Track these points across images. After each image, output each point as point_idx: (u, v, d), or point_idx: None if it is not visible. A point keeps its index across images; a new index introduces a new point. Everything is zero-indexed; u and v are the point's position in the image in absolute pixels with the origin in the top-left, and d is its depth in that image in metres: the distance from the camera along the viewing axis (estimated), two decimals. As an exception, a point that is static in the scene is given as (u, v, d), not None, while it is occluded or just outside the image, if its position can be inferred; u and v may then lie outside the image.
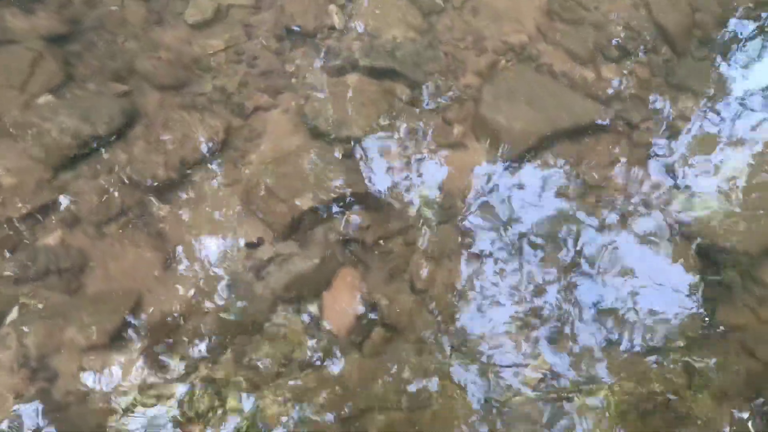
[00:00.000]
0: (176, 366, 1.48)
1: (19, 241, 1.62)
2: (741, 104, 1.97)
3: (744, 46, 2.09)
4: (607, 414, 1.48)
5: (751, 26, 2.11)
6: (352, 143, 1.86)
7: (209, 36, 2.03)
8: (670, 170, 1.90)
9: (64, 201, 1.69)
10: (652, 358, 1.56)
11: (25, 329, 1.50)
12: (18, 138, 1.75)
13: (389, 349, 1.53)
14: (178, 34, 2.02)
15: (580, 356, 1.57)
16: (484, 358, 1.54)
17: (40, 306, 1.51)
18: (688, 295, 1.65)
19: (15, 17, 1.90)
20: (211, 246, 1.65)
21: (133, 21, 2.00)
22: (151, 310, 1.55)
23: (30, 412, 1.45)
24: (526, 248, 1.72)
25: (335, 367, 1.49)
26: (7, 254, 1.59)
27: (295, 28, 2.03)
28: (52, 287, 1.54)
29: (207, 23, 2.04)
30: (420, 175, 1.81)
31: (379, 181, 1.78)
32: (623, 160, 1.89)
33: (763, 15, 2.13)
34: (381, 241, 1.67)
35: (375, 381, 1.49)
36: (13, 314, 1.51)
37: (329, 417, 1.42)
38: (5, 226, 1.62)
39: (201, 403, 1.43)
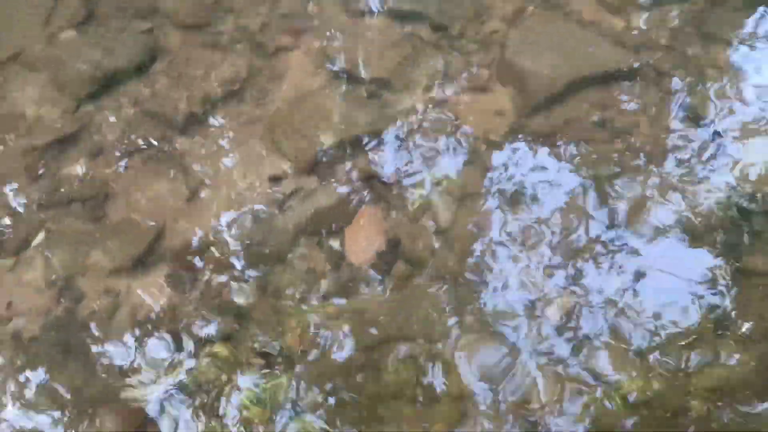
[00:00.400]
0: (198, 291, 1.51)
1: (43, 169, 1.64)
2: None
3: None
4: (630, 351, 1.49)
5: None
6: (375, 84, 1.85)
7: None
8: (699, 118, 1.88)
9: (87, 132, 1.71)
10: (677, 298, 1.56)
11: (51, 253, 1.53)
12: (42, 70, 1.76)
13: (410, 284, 1.55)
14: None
15: (604, 290, 1.57)
16: (504, 297, 1.55)
17: (65, 231, 1.53)
18: (714, 241, 1.64)
19: None
20: (233, 179, 1.66)
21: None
22: (174, 239, 1.57)
23: (58, 330, 1.49)
24: (551, 191, 1.71)
25: (356, 299, 1.51)
26: (32, 182, 1.61)
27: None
28: (77, 214, 1.56)
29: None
30: (443, 118, 1.80)
31: (402, 122, 1.77)
32: (652, 107, 1.87)
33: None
34: (403, 180, 1.67)
35: (395, 314, 1.50)
36: (39, 238, 1.53)
37: (350, 346, 1.44)
38: (30, 154, 1.64)
39: (223, 325, 1.46)
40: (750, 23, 2.09)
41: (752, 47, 2.06)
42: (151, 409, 1.39)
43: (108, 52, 1.77)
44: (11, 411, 1.40)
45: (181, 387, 1.41)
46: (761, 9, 2.13)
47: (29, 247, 1.51)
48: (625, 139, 1.84)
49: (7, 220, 1.56)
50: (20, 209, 1.58)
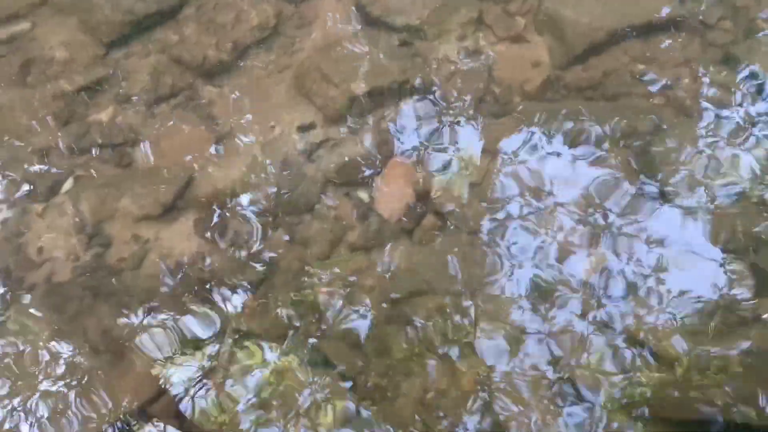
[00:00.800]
0: (227, 240, 1.51)
1: (72, 114, 1.64)
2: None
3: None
4: (669, 315, 1.46)
5: None
6: (407, 32, 1.80)
7: None
8: (747, 72, 1.79)
9: (116, 78, 1.70)
10: (720, 257, 1.52)
11: (80, 198, 1.55)
12: (72, 14, 1.74)
13: (439, 236, 1.53)
14: None
15: (636, 254, 1.53)
16: (532, 252, 1.53)
17: (94, 177, 1.54)
18: (758, 196, 1.58)
19: None
20: (261, 128, 1.64)
21: None
22: (202, 186, 1.57)
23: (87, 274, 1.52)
24: (587, 144, 1.66)
25: (385, 250, 1.50)
26: (61, 127, 1.62)
27: None
28: (105, 160, 1.57)
29: None
30: (477, 67, 1.75)
31: (435, 71, 1.73)
32: (696, 59, 1.78)
33: None
34: (435, 131, 1.64)
35: (424, 267, 1.50)
36: (69, 184, 1.55)
37: (378, 297, 1.44)
38: (59, 98, 1.64)
39: (250, 274, 1.47)
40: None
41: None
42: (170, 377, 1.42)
43: (135, -6, 1.75)
44: (42, 344, 1.44)
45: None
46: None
47: (59, 193, 1.52)
48: (665, 93, 1.77)
49: (36, 166, 1.58)
50: (49, 155, 1.59)
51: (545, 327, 1.42)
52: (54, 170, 1.58)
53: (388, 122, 1.63)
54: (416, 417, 1.33)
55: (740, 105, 1.74)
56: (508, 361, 1.40)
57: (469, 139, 1.64)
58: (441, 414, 1.33)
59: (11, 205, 1.51)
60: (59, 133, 1.61)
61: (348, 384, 1.37)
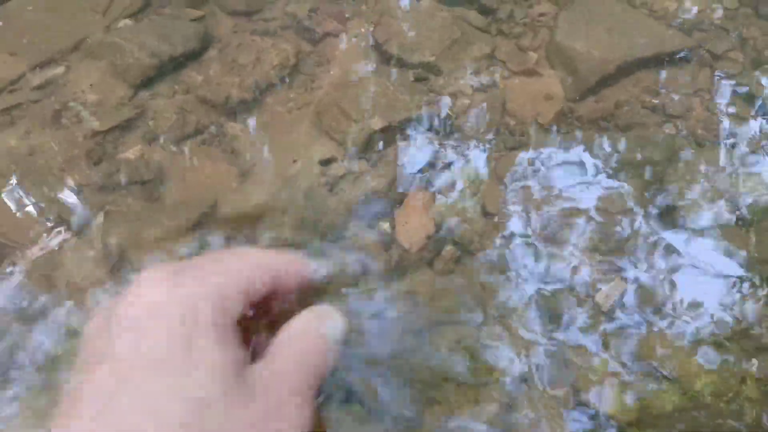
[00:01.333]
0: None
1: (103, 153, 1.72)
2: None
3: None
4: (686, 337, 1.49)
5: None
6: (422, 68, 1.88)
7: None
8: (754, 101, 1.84)
9: (143, 118, 1.79)
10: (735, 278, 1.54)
11: (110, 231, 1.61)
12: (101, 58, 1.84)
13: (459, 266, 1.57)
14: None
15: (654, 277, 1.56)
16: (555, 280, 1.56)
17: (124, 212, 1.61)
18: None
19: None
20: (283, 163, 1.71)
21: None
22: (226, 217, 1.63)
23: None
24: (601, 176, 1.71)
25: (407, 280, 1.54)
26: (93, 166, 1.70)
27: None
28: (135, 196, 1.64)
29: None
30: (492, 101, 1.81)
31: (450, 106, 1.80)
32: (706, 90, 1.84)
33: None
34: (451, 163, 1.70)
35: (445, 296, 1.54)
36: (100, 219, 1.62)
37: (401, 328, 1.48)
38: (91, 139, 1.72)
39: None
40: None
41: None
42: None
43: (163, 39, 1.84)
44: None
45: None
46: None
47: (91, 228, 1.59)
48: (677, 123, 1.82)
49: (70, 202, 1.65)
50: (82, 192, 1.66)
51: (565, 351, 1.45)
52: (86, 206, 1.66)
53: (406, 156, 1.69)
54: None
55: (750, 135, 1.79)
56: (530, 393, 1.42)
57: (484, 170, 1.70)
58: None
59: (45, 242, 1.58)
60: (91, 172, 1.69)
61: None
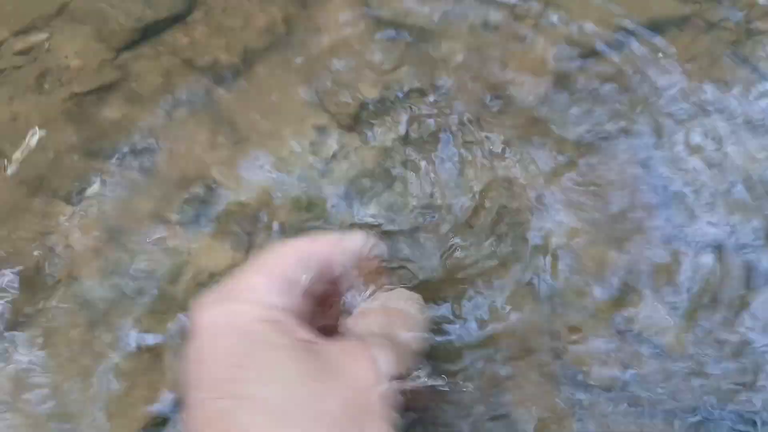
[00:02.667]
0: (243, 243, 1.61)
1: (85, 115, 1.73)
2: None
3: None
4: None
5: None
6: (417, 33, 1.88)
7: None
8: (751, 66, 1.89)
9: (126, 81, 1.78)
10: None
11: (104, 200, 1.64)
12: (86, 23, 1.82)
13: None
14: None
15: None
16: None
17: (117, 181, 1.64)
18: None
19: None
20: (276, 133, 1.73)
21: None
22: (219, 191, 1.67)
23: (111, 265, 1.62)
24: (597, 141, 1.77)
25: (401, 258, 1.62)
26: (77, 129, 1.71)
27: None
28: (126, 165, 1.67)
29: None
30: (482, 67, 1.84)
31: (445, 73, 1.82)
32: (702, 56, 1.89)
33: None
34: (446, 132, 1.74)
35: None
36: (95, 187, 1.65)
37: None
38: (71, 100, 1.72)
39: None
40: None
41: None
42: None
43: (148, 3, 1.82)
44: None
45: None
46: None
47: (85, 196, 1.63)
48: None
49: (59, 170, 1.67)
50: (66, 159, 1.68)
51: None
52: (77, 173, 1.68)
53: (399, 126, 1.73)
54: None
55: (742, 97, 1.84)
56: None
57: (479, 137, 1.75)
58: None
59: (42, 209, 1.61)
60: (75, 137, 1.70)
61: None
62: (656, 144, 1.62)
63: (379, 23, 1.83)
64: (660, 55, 1.74)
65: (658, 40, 1.75)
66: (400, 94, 1.76)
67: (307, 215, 1.64)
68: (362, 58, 1.77)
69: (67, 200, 1.64)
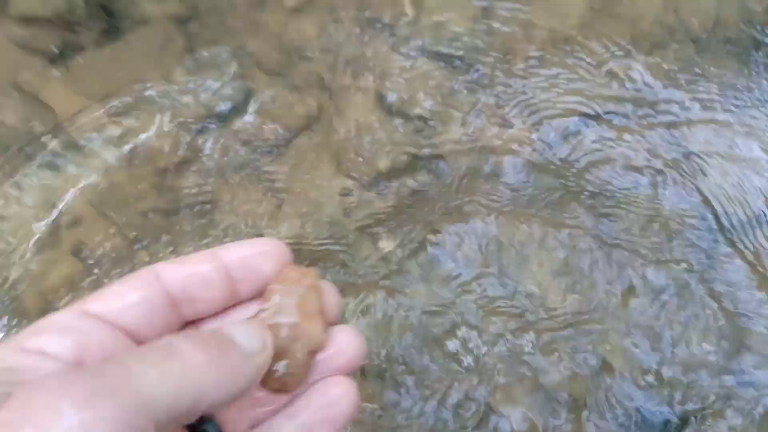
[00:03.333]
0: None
1: (163, 185, 2.26)
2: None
3: None
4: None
5: None
6: (420, 118, 2.40)
7: (303, 22, 2.60)
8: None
9: (197, 157, 2.32)
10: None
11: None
12: (160, 107, 2.38)
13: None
14: (277, 18, 2.60)
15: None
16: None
17: (187, 229, 2.15)
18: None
19: (150, 3, 2.53)
20: (309, 194, 2.25)
21: (239, 5, 2.59)
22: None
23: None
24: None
25: (405, 285, 2.08)
26: (159, 195, 2.23)
27: (374, 17, 2.57)
28: (191, 219, 2.18)
29: (300, 9, 2.61)
30: (478, 146, 2.34)
31: (445, 144, 2.32)
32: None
33: None
34: (442, 190, 2.24)
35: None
36: (166, 238, 2.15)
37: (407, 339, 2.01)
38: (155, 175, 2.26)
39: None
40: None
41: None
42: None
43: (213, 94, 2.38)
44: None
45: None
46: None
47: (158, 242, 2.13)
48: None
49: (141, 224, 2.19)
50: (149, 216, 2.20)
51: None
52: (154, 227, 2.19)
53: (406, 188, 2.23)
54: None
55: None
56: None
57: (478, 199, 2.23)
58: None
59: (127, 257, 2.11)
60: (159, 201, 2.22)
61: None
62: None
63: (392, 110, 2.37)
64: None
65: None
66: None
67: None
68: (379, 136, 2.29)
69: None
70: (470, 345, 1.87)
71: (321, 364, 0.57)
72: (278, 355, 0.53)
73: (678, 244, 2.02)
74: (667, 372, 1.75)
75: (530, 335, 1.86)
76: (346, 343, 0.58)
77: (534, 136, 2.32)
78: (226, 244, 0.60)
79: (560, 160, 2.26)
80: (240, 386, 0.46)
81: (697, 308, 1.87)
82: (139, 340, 0.52)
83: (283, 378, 0.54)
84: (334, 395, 0.55)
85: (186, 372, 0.42)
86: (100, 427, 0.36)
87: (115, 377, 0.38)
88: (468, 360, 1.83)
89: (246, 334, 0.49)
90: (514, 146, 2.30)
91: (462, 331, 1.88)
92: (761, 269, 1.96)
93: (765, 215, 2.04)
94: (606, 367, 1.81)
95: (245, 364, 0.46)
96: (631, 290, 1.91)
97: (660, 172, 2.15)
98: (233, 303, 0.60)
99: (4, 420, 0.35)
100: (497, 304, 1.94)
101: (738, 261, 1.97)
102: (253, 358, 0.47)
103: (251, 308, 0.60)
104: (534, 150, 2.30)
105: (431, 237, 2.12)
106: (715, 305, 1.89)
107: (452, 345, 1.85)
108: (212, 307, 0.58)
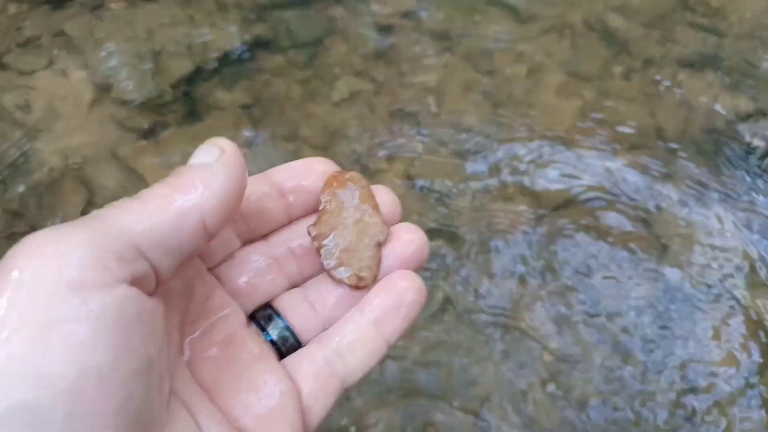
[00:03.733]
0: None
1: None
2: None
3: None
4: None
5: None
6: (440, 193, 2.92)
7: (346, 112, 3.16)
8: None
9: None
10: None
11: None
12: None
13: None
14: (325, 109, 3.17)
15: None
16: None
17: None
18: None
19: (222, 92, 3.11)
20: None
21: (294, 97, 3.17)
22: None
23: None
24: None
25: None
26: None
27: (404, 109, 3.13)
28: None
29: (344, 102, 3.18)
30: (484, 215, 2.84)
31: (462, 219, 2.82)
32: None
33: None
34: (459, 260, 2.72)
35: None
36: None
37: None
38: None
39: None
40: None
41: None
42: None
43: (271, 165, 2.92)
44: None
45: None
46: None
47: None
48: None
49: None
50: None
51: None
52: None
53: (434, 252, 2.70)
54: None
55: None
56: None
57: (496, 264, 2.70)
58: None
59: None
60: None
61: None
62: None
63: (417, 188, 2.89)
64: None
65: None
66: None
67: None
68: (407, 209, 2.80)
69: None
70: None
71: (386, 261, 0.57)
72: (349, 252, 0.56)
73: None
74: None
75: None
76: (408, 239, 0.59)
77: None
78: (275, 167, 0.62)
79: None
80: (223, 192, 0.47)
81: None
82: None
83: (358, 273, 0.57)
84: (402, 287, 0.56)
85: (155, 204, 0.44)
86: (77, 253, 0.37)
87: (87, 219, 0.41)
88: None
89: (199, 152, 0.50)
90: (520, 225, 2.81)
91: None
92: None
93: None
94: None
95: (211, 173, 0.47)
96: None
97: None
98: (287, 221, 0.60)
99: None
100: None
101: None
102: (216, 165, 0.48)
103: (308, 220, 0.60)
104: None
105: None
106: None
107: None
108: (267, 225, 0.58)
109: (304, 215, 0.62)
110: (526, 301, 2.55)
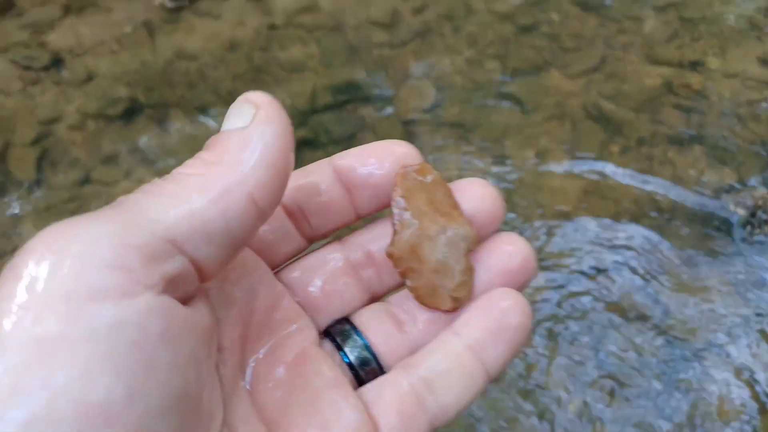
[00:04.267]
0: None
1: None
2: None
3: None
4: None
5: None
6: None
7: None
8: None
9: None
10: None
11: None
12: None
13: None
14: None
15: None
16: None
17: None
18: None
19: None
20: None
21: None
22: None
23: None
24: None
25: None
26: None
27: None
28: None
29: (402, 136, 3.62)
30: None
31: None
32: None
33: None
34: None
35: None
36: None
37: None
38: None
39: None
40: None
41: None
42: None
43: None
44: None
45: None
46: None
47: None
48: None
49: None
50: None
51: None
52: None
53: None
54: None
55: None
56: None
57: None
58: None
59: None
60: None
61: None
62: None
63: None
64: None
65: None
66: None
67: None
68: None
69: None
70: None
71: (484, 275, 0.47)
72: (439, 273, 0.48)
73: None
74: None
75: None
76: (511, 251, 0.48)
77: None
78: (341, 152, 0.52)
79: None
80: (269, 158, 0.38)
81: None
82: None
83: (453, 295, 0.48)
84: (504, 307, 0.46)
85: (191, 184, 0.37)
86: (93, 252, 0.31)
87: (112, 208, 0.35)
88: None
89: (231, 115, 0.40)
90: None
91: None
92: None
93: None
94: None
95: (249, 136, 0.38)
96: None
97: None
98: (355, 217, 0.51)
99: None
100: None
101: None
102: (253, 126, 0.38)
103: (383, 222, 0.50)
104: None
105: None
106: None
107: None
108: (330, 222, 0.49)
109: (378, 208, 0.52)
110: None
